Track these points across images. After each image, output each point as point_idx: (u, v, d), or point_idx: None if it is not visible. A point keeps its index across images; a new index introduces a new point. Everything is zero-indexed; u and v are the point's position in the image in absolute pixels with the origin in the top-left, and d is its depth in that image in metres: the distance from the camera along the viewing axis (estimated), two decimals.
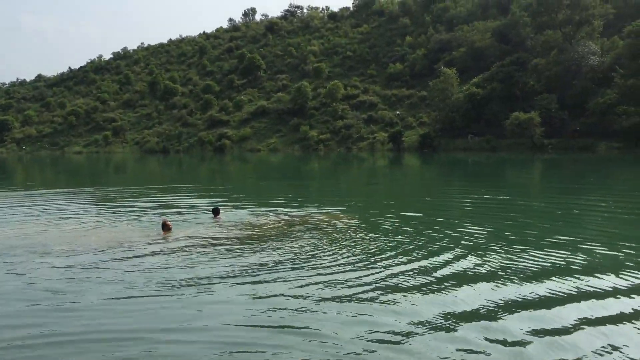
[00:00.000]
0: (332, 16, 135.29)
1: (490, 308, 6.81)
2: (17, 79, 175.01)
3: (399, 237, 11.31)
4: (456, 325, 6.25)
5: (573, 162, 43.03)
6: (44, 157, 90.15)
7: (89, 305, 7.22)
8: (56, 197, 22.21)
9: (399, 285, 7.79)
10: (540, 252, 9.66)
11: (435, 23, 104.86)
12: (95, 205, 19.91)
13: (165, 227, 12.28)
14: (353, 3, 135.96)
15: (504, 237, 11.46)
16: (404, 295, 7.31)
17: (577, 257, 9.34)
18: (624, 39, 61.07)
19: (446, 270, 8.58)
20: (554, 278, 8.04)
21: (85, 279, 8.45)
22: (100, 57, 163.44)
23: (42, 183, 34.35)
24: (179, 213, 16.08)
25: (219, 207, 14.96)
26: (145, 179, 37.22)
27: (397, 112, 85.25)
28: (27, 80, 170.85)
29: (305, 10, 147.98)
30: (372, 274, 8.33)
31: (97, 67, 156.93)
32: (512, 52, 75.39)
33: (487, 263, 9.00)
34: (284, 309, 6.84)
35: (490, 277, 8.21)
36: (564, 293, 7.43)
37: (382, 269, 8.58)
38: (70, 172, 49.93)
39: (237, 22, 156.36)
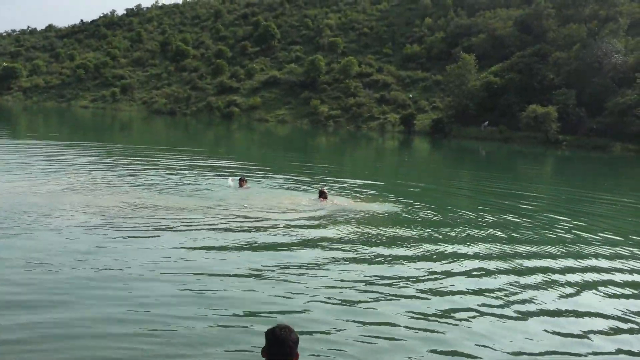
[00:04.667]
0: None
1: None
2: (28, 27, 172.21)
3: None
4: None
5: (586, 160, 42.40)
6: (49, 108, 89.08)
7: None
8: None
9: None
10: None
11: (457, 7, 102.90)
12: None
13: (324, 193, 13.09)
14: None
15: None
16: None
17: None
18: None
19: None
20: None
21: None
22: (113, 12, 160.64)
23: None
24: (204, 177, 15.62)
25: (245, 177, 14.44)
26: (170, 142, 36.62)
27: (410, 95, 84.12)
28: (38, 29, 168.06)
29: None
30: None
31: (109, 22, 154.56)
32: (533, 43, 73.93)
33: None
34: None
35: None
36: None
37: None
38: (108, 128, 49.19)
39: None
